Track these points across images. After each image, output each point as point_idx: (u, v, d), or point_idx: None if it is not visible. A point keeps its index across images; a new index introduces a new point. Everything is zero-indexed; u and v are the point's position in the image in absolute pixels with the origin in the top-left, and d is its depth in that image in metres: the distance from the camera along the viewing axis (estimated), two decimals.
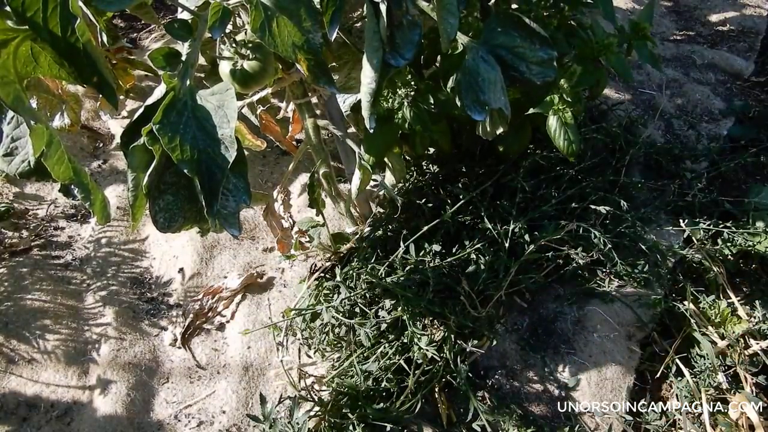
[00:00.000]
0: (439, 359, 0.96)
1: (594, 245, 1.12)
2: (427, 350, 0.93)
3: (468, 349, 0.98)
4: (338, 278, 1.05)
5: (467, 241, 1.11)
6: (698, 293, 1.10)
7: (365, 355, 0.99)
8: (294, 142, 1.37)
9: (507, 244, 1.09)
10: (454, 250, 1.10)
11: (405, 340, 0.97)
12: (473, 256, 1.09)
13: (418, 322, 0.98)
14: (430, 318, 1.05)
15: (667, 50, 1.81)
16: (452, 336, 1.00)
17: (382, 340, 1.00)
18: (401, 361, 0.97)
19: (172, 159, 0.57)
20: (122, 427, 1.04)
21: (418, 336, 0.95)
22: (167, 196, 0.64)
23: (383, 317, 1.00)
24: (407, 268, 1.04)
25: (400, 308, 0.99)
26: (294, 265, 1.28)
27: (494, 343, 1.04)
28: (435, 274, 1.02)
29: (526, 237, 1.10)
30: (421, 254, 1.06)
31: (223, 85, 0.62)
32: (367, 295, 1.06)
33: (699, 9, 2.00)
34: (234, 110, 0.60)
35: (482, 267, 1.07)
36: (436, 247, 1.07)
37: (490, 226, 1.10)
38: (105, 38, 1.37)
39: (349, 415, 0.93)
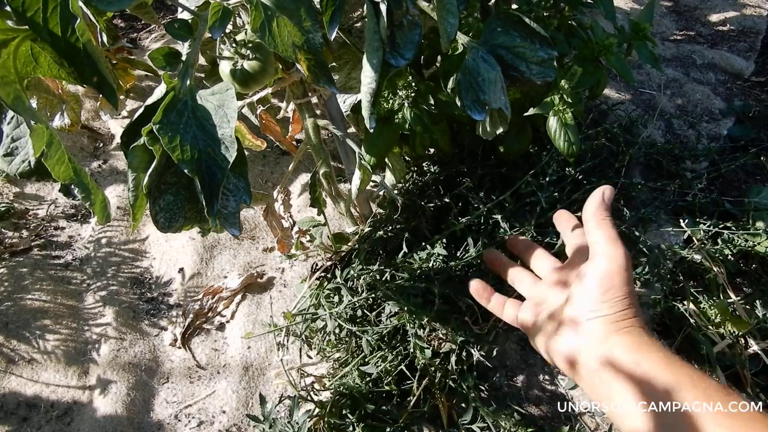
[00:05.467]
0: (440, 369, 0.95)
1: None
2: (431, 363, 0.92)
3: (475, 357, 0.97)
4: (339, 279, 1.04)
5: (471, 242, 1.11)
6: (698, 293, 1.10)
7: (366, 360, 0.98)
8: (294, 142, 1.37)
9: None
10: (458, 254, 1.10)
11: (409, 349, 0.96)
12: (479, 260, 1.08)
13: (421, 330, 0.97)
14: (435, 324, 1.04)
15: (667, 50, 1.81)
16: (458, 344, 0.98)
17: (383, 345, 0.99)
18: (403, 367, 0.96)
19: (173, 159, 0.57)
20: (122, 427, 1.04)
21: (420, 348, 0.93)
22: (168, 196, 0.64)
23: (385, 324, 0.98)
24: (410, 274, 1.02)
25: (403, 316, 0.97)
26: (294, 265, 1.28)
27: (496, 347, 1.03)
28: (440, 281, 1.00)
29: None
30: (424, 255, 1.05)
31: (223, 85, 0.62)
32: (369, 297, 1.06)
33: (699, 9, 2.00)
34: (234, 110, 0.59)
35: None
36: (440, 250, 1.07)
37: (504, 226, 1.08)
38: (105, 38, 1.37)
39: (349, 415, 0.93)
